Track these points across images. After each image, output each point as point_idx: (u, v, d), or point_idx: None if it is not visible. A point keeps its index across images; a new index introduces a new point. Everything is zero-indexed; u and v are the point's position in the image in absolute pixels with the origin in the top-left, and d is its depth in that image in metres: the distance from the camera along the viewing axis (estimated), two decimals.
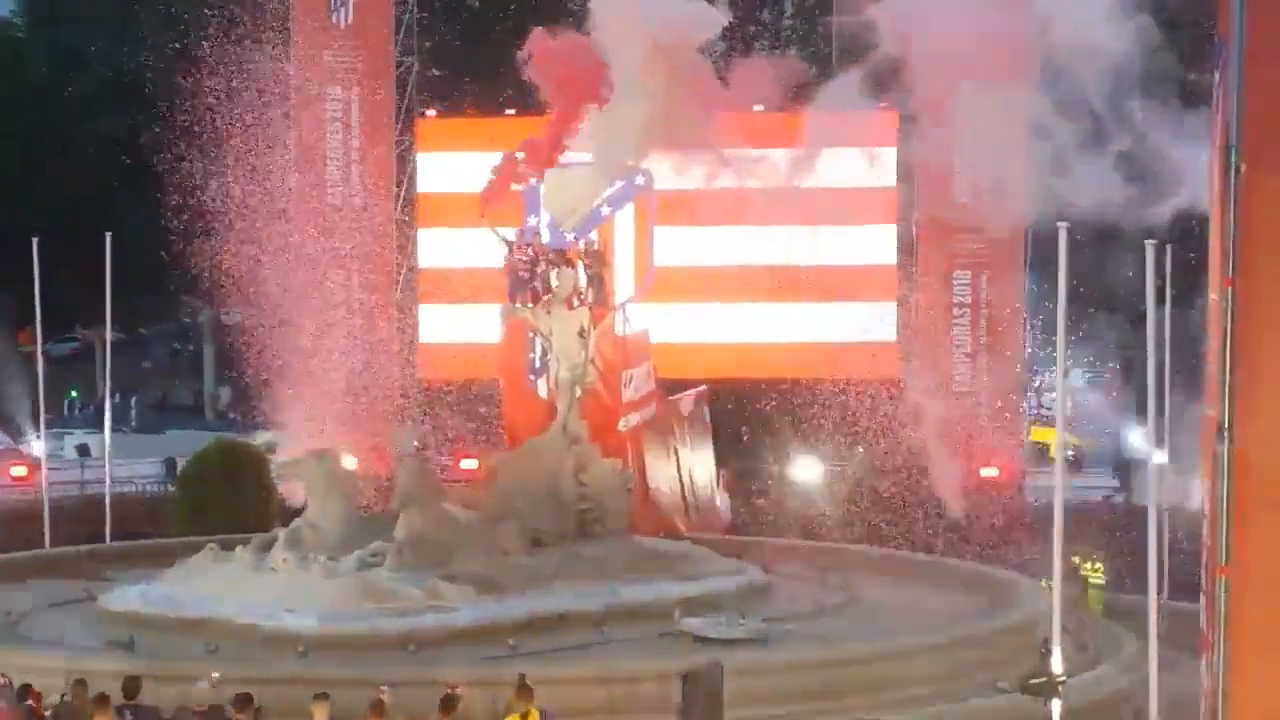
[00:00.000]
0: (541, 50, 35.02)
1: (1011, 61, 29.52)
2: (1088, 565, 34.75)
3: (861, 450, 44.73)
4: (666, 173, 38.18)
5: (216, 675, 23.66)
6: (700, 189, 38.72)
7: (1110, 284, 42.07)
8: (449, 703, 22.81)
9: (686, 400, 42.20)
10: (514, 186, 37.28)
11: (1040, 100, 29.10)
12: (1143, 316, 26.33)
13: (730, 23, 34.88)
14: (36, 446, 43.35)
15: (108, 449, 42.22)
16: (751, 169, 37.10)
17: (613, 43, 33.23)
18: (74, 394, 71.06)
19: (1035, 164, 28.57)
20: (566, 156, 35.52)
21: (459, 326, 45.92)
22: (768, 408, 46.50)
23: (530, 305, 34.69)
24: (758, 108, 37.26)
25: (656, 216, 45.10)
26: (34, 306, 39.52)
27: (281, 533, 31.30)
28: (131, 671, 23.69)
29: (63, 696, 23.39)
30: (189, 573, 30.94)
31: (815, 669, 26.54)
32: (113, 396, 42.32)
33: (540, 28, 35.44)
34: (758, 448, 48.09)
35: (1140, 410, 36.80)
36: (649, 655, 27.18)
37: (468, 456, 45.31)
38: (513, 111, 45.85)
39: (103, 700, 22.24)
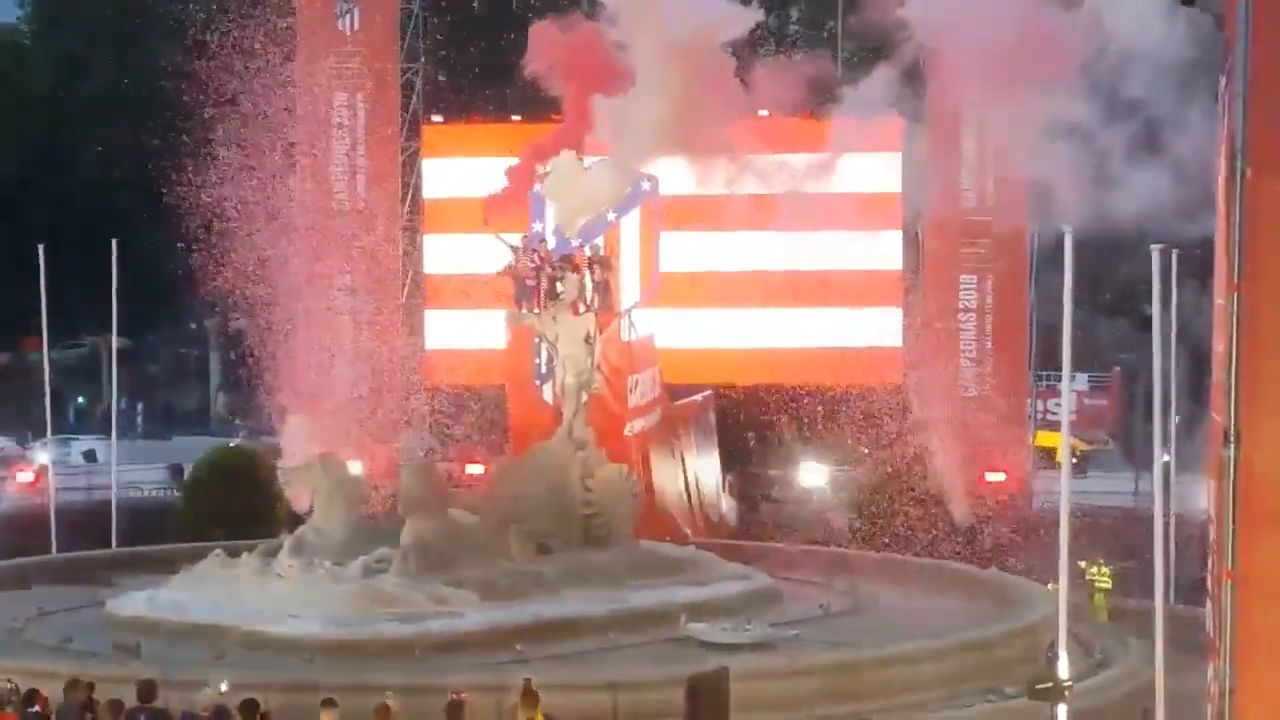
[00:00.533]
0: (547, 40, 34.92)
1: (1048, 63, 29.24)
2: (1094, 570, 34.72)
3: (867, 455, 44.68)
4: (672, 177, 38.14)
5: (225, 687, 23.62)
6: (706, 194, 38.73)
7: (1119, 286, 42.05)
8: (455, 708, 22.82)
9: (692, 405, 42.22)
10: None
11: (1075, 102, 28.85)
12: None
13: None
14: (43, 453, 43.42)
15: (114, 455, 42.23)
16: (760, 174, 37.09)
17: (631, 38, 33.05)
18: (81, 400, 71.03)
19: (1075, 169, 28.37)
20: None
21: (465, 332, 45.88)
22: (773, 413, 46.47)
23: (536, 311, 34.67)
24: (763, 112, 37.20)
25: (662, 222, 45.06)
26: (40, 313, 39.55)
27: (287, 539, 31.33)
28: (140, 676, 23.70)
29: None
30: (195, 579, 30.96)
31: (821, 674, 26.54)
32: (119, 403, 42.30)
33: (545, 21, 35.42)
34: (763, 453, 48.07)
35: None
36: (655, 661, 27.18)
37: (473, 462, 45.28)
38: (518, 117, 45.89)
39: (115, 707, 22.28)
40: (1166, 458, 29.43)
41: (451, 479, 40.45)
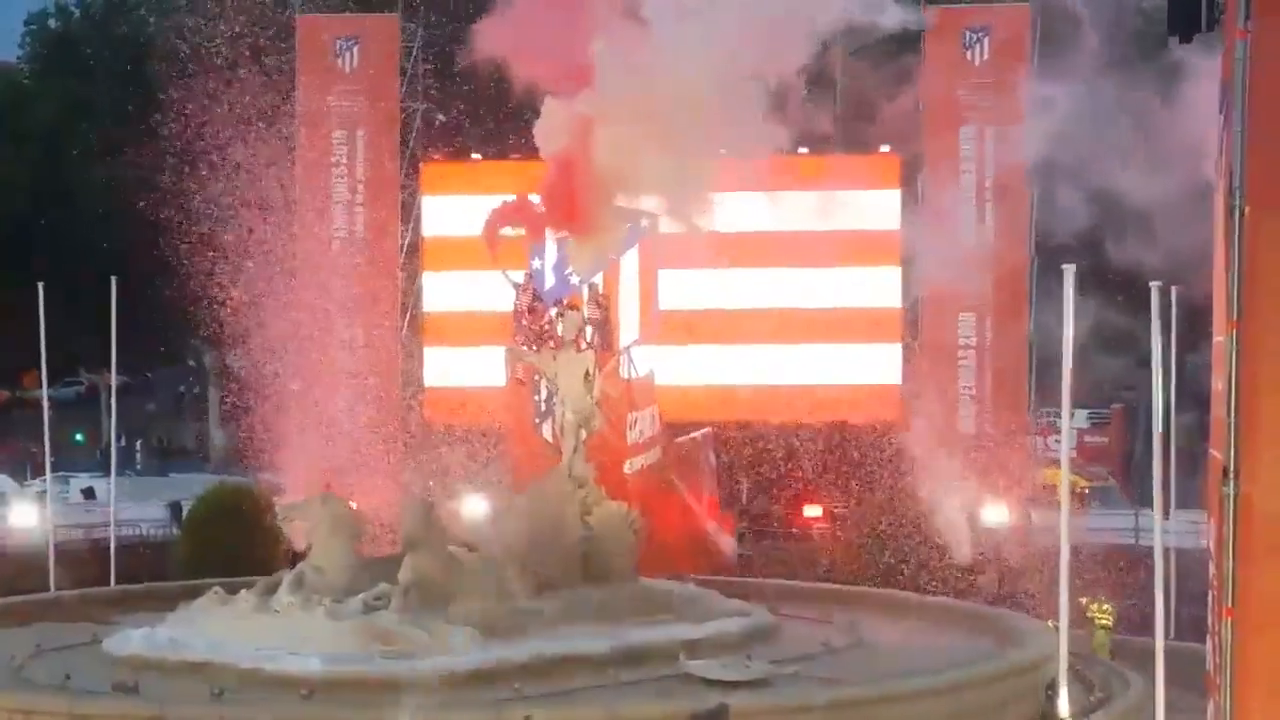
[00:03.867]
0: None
1: None
2: (1094, 607, 34.69)
3: (867, 492, 44.65)
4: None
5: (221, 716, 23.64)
6: (705, 232, 38.71)
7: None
8: None
9: (692, 443, 42.18)
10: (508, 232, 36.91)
11: None
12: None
13: None
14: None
15: (112, 492, 42.18)
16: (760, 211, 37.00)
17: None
18: (80, 437, 71.04)
19: None
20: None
21: (464, 370, 45.90)
22: (772, 450, 46.45)
23: (535, 348, 34.69)
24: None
25: (661, 259, 45.12)
26: (39, 351, 39.58)
27: (285, 576, 31.25)
28: (146, 714, 23.69)
29: None
30: (193, 616, 30.89)
31: (821, 711, 26.43)
32: (118, 439, 42.30)
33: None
34: (763, 490, 48.03)
35: None
36: (655, 698, 27.09)
37: (474, 499, 45.21)
38: (517, 155, 46.00)
39: None
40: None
41: (450, 516, 40.38)
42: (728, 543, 43.25)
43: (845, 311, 45.31)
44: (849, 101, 44.82)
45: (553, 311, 35.39)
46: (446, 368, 47.76)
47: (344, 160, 48.39)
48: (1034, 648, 29.73)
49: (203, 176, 45.52)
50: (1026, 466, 45.52)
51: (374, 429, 46.92)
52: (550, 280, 38.04)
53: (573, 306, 34.96)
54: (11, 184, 67.46)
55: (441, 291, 48.01)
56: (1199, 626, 19.35)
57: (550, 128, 32.75)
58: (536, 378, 36.55)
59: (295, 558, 33.27)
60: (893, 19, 33.36)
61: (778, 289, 44.99)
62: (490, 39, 34.02)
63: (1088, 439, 60.96)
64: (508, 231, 35.78)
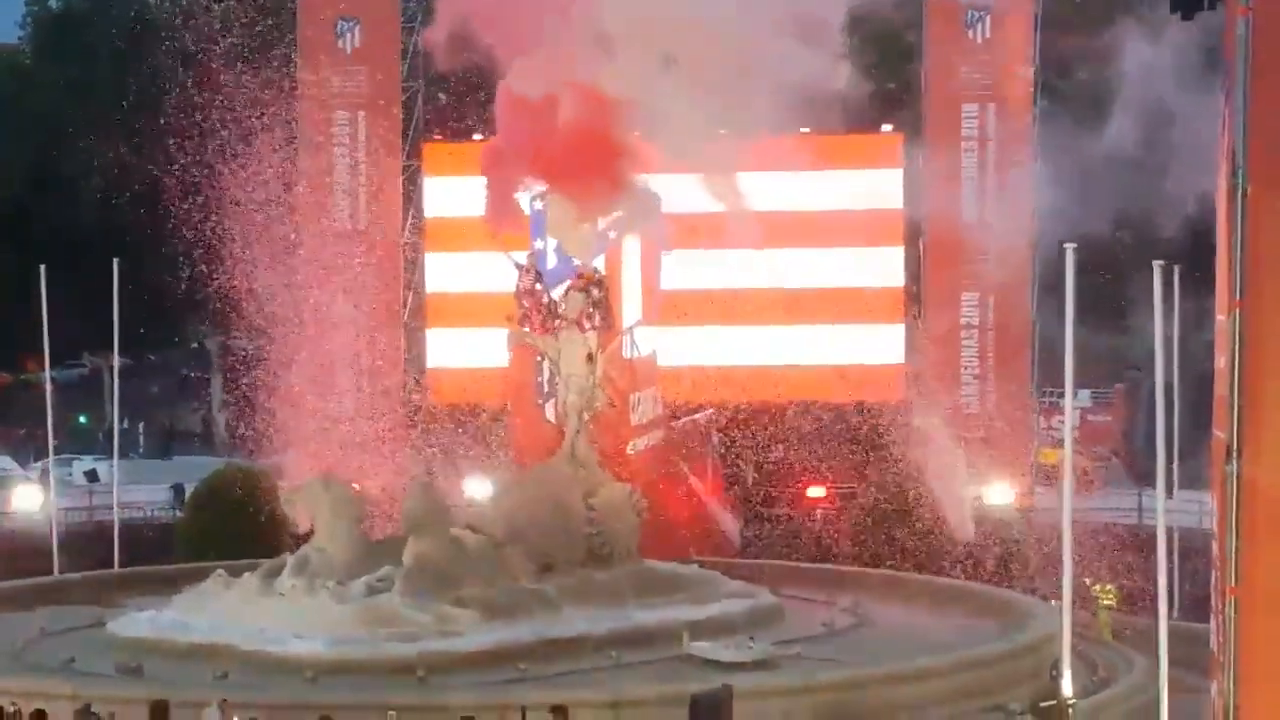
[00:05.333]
0: None
1: None
2: (1098, 588, 34.68)
3: (870, 472, 44.61)
4: (673, 196, 38.11)
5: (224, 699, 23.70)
6: (707, 212, 38.68)
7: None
8: None
9: (694, 424, 42.14)
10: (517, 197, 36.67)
11: None
12: None
13: None
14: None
15: (115, 475, 42.16)
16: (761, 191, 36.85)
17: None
18: (83, 420, 71.02)
19: None
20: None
21: (467, 350, 45.82)
22: (775, 430, 46.40)
23: (538, 330, 34.64)
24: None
25: (664, 239, 44.98)
26: (41, 333, 39.58)
27: (289, 558, 31.29)
28: (150, 697, 23.73)
29: None
30: (197, 598, 30.95)
31: (824, 692, 26.50)
32: (120, 422, 42.27)
33: None
34: (766, 470, 48.00)
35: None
36: (658, 679, 27.14)
37: (476, 481, 45.19)
38: None
39: None
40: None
41: (453, 498, 40.36)
42: (731, 524, 43.27)
43: (848, 291, 45.21)
44: (851, 80, 44.67)
45: (555, 292, 35.33)
46: (449, 349, 47.71)
47: (346, 141, 48.30)
48: (1037, 628, 29.76)
49: (204, 158, 45.42)
50: (1029, 446, 45.52)
51: (376, 410, 46.87)
52: (553, 261, 37.91)
53: (575, 288, 34.88)
54: (12, 166, 67.31)
55: (444, 272, 47.91)
56: (1203, 606, 19.35)
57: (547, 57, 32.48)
58: (539, 359, 36.51)
59: (299, 540, 33.29)
60: None
61: (780, 269, 44.85)
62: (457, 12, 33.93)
63: (1091, 418, 60.81)
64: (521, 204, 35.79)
